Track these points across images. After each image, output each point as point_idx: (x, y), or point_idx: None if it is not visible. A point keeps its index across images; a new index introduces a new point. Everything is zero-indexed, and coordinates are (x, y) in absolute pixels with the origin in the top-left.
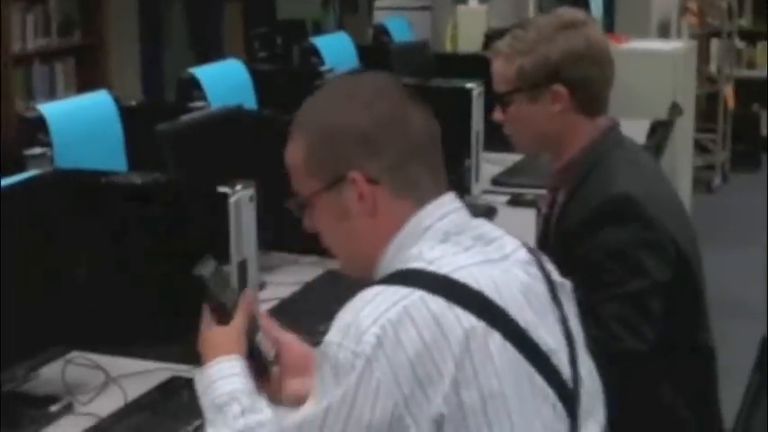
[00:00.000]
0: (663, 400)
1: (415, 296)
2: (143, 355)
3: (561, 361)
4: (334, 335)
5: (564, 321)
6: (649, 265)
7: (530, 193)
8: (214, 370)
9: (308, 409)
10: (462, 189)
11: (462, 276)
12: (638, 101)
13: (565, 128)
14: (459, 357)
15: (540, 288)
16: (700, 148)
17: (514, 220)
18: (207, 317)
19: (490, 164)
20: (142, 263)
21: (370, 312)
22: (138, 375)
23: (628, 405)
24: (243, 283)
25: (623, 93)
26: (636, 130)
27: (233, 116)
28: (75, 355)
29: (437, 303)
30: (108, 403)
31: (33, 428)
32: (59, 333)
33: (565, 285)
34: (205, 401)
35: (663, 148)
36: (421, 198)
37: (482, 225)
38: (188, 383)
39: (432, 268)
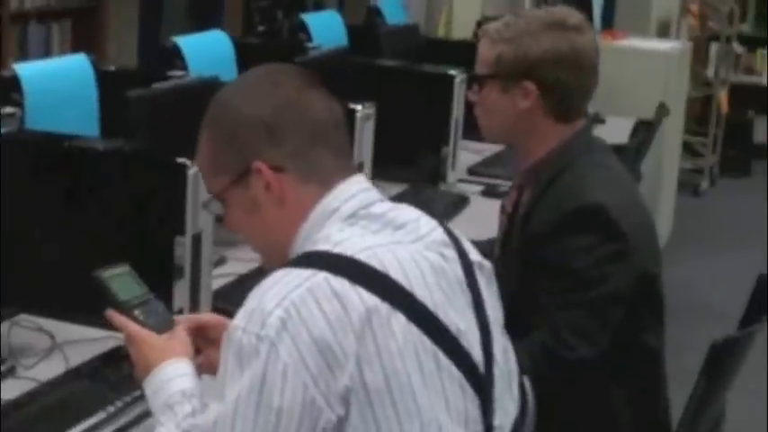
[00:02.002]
0: (608, 402)
1: (318, 277)
2: (91, 323)
3: (472, 343)
4: (239, 319)
5: (478, 303)
6: (613, 275)
7: (504, 184)
8: (165, 371)
9: (222, 404)
10: (438, 176)
11: (367, 257)
12: (627, 99)
13: (532, 127)
14: (361, 333)
15: (455, 269)
16: (690, 150)
17: (486, 210)
18: (123, 320)
19: (469, 152)
20: (98, 230)
21: (274, 295)
22: (83, 343)
23: (573, 408)
24: (196, 256)
25: (613, 90)
26: (621, 128)
27: (208, 87)
28: (22, 318)
29: (340, 284)
30: (51, 369)
31: None
32: (8, 294)
33: (483, 266)
34: (156, 402)
35: (646, 148)
36: (327, 182)
37: (395, 207)
38: None
39: (337, 250)
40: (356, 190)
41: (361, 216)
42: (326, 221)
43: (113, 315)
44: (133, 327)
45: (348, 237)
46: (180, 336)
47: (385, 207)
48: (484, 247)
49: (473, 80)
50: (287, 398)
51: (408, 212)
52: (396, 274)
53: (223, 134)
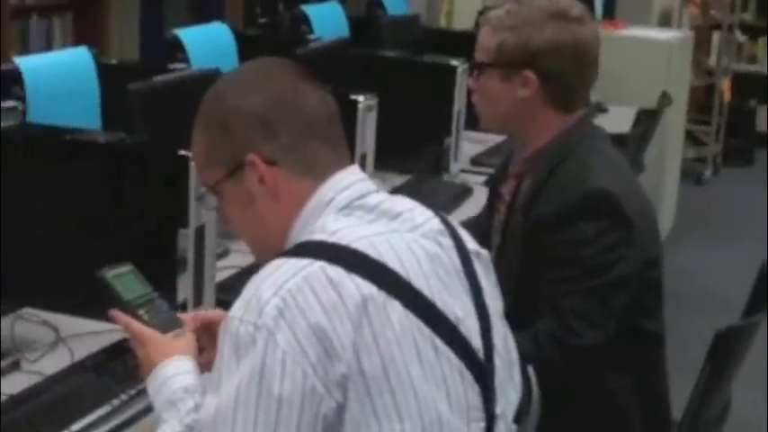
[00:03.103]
0: (612, 388)
1: (315, 266)
2: (95, 316)
3: (471, 330)
4: (236, 309)
5: (476, 291)
6: (620, 261)
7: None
8: (168, 368)
9: (218, 396)
10: (440, 167)
11: (363, 246)
12: (629, 88)
13: (531, 117)
14: (357, 320)
15: (452, 258)
16: (693, 139)
17: None
18: (128, 319)
19: (473, 143)
20: (101, 222)
21: (270, 284)
22: (89, 336)
23: (577, 394)
24: (200, 249)
25: (615, 79)
26: (623, 117)
27: (208, 79)
28: (27, 311)
29: (336, 272)
30: (56, 362)
31: None
32: (12, 288)
33: (481, 254)
34: (159, 399)
35: (649, 137)
36: (322, 175)
37: (390, 198)
38: None
39: (333, 239)
40: (351, 181)
41: (357, 206)
42: (322, 212)
43: (118, 315)
44: (138, 326)
45: (344, 226)
46: (185, 335)
47: (380, 197)
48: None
49: (473, 67)
50: (287, 386)
51: (403, 203)
52: (392, 262)
53: (217, 127)
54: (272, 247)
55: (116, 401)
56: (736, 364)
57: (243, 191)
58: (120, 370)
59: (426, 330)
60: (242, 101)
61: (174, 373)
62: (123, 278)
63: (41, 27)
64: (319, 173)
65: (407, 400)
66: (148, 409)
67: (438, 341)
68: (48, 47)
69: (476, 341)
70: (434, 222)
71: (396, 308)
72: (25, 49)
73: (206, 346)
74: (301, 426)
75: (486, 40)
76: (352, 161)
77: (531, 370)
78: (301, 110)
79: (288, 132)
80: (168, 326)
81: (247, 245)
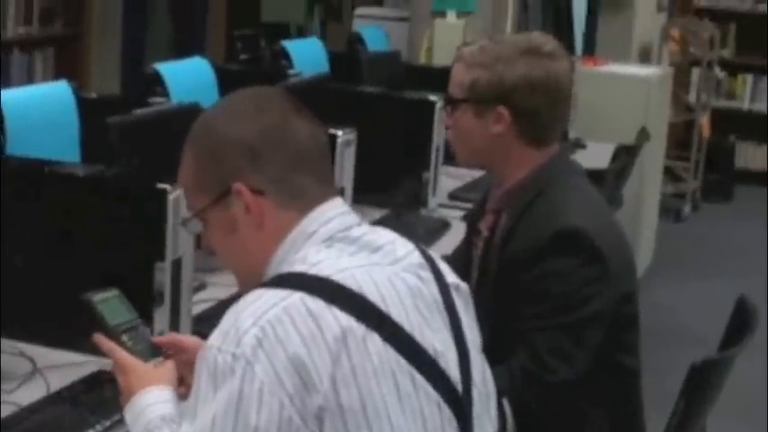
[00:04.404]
0: (586, 423)
1: (294, 297)
2: (72, 347)
3: (449, 364)
4: (214, 339)
5: (456, 325)
6: (593, 298)
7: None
8: (146, 397)
9: (193, 425)
10: (419, 202)
11: (343, 278)
12: (608, 124)
13: (505, 152)
14: (336, 353)
15: (431, 291)
16: (672, 175)
17: None
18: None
19: (451, 178)
20: (79, 255)
21: (249, 315)
22: (65, 367)
23: (551, 428)
24: (176, 282)
25: (594, 115)
26: (602, 153)
27: (187, 113)
28: (3, 342)
29: (316, 304)
30: (33, 393)
31: None
32: None
33: (460, 287)
34: (137, 428)
35: (627, 173)
36: (307, 207)
37: (372, 231)
38: (112, 378)
39: (313, 271)
40: (334, 214)
41: (339, 239)
42: (304, 244)
43: (101, 340)
44: (120, 353)
45: (325, 258)
46: (165, 364)
47: (363, 230)
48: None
49: (447, 103)
50: (263, 417)
51: (385, 235)
52: (372, 295)
53: (206, 153)
54: (253, 274)
55: None
56: (712, 398)
57: (227, 218)
58: (96, 401)
59: (405, 364)
60: (234, 129)
61: (152, 401)
62: (109, 303)
63: (22, 62)
64: (304, 205)
65: None
66: None
67: (416, 374)
68: (29, 81)
69: (454, 374)
70: (415, 255)
71: (375, 341)
72: (6, 84)
73: (185, 376)
74: None
75: (460, 77)
76: (337, 193)
77: (506, 403)
78: (291, 142)
79: (276, 163)
80: (150, 354)
81: (229, 270)
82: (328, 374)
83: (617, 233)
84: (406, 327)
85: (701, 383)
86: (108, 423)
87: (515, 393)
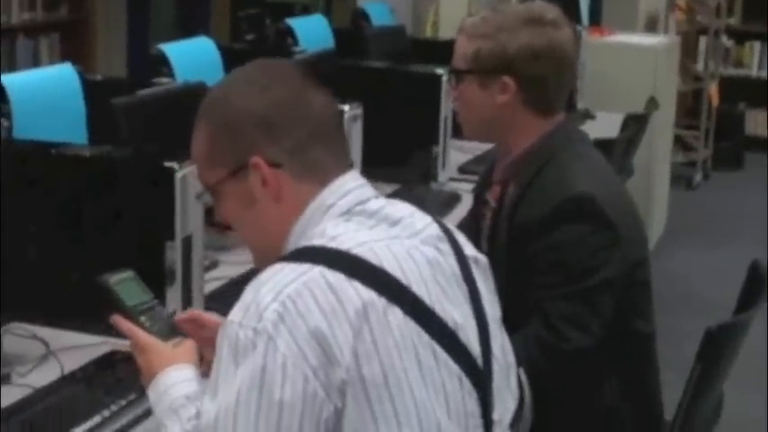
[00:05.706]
0: (602, 390)
1: (314, 271)
2: (84, 329)
3: (469, 337)
4: (235, 314)
5: (475, 297)
6: (604, 264)
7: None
8: (169, 377)
9: (216, 401)
10: (429, 176)
11: (363, 252)
12: (616, 94)
13: (512, 121)
14: (358, 326)
15: (450, 264)
16: (682, 144)
17: None
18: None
19: (460, 151)
20: (88, 236)
21: (270, 289)
22: (78, 349)
23: (568, 396)
24: (187, 260)
25: (602, 85)
26: (611, 122)
27: (193, 93)
28: (15, 326)
29: (336, 278)
30: (46, 376)
31: None
32: (1, 302)
33: (479, 260)
34: (161, 407)
35: (637, 142)
36: (324, 180)
37: (389, 204)
38: (126, 358)
39: (333, 244)
40: (352, 186)
41: (357, 212)
42: (322, 217)
43: (120, 321)
44: (140, 334)
45: (344, 232)
46: (186, 343)
47: (380, 203)
48: None
49: (452, 75)
50: (288, 391)
51: (403, 208)
52: (392, 268)
53: (221, 127)
54: (271, 250)
55: (106, 412)
56: (728, 362)
57: (245, 192)
58: (110, 381)
59: (426, 337)
60: (249, 102)
61: (175, 381)
62: (125, 284)
63: (28, 47)
64: (321, 177)
65: (406, 407)
66: (138, 420)
67: (437, 348)
68: (35, 67)
69: (474, 348)
70: (433, 228)
71: (396, 314)
72: (12, 69)
73: (206, 354)
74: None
75: (463, 48)
76: (351, 167)
77: (522, 374)
78: (307, 113)
79: (293, 136)
80: (168, 333)
81: (248, 247)
82: (350, 348)
83: (625, 200)
84: (426, 300)
85: (717, 347)
86: (123, 402)
87: (530, 362)
